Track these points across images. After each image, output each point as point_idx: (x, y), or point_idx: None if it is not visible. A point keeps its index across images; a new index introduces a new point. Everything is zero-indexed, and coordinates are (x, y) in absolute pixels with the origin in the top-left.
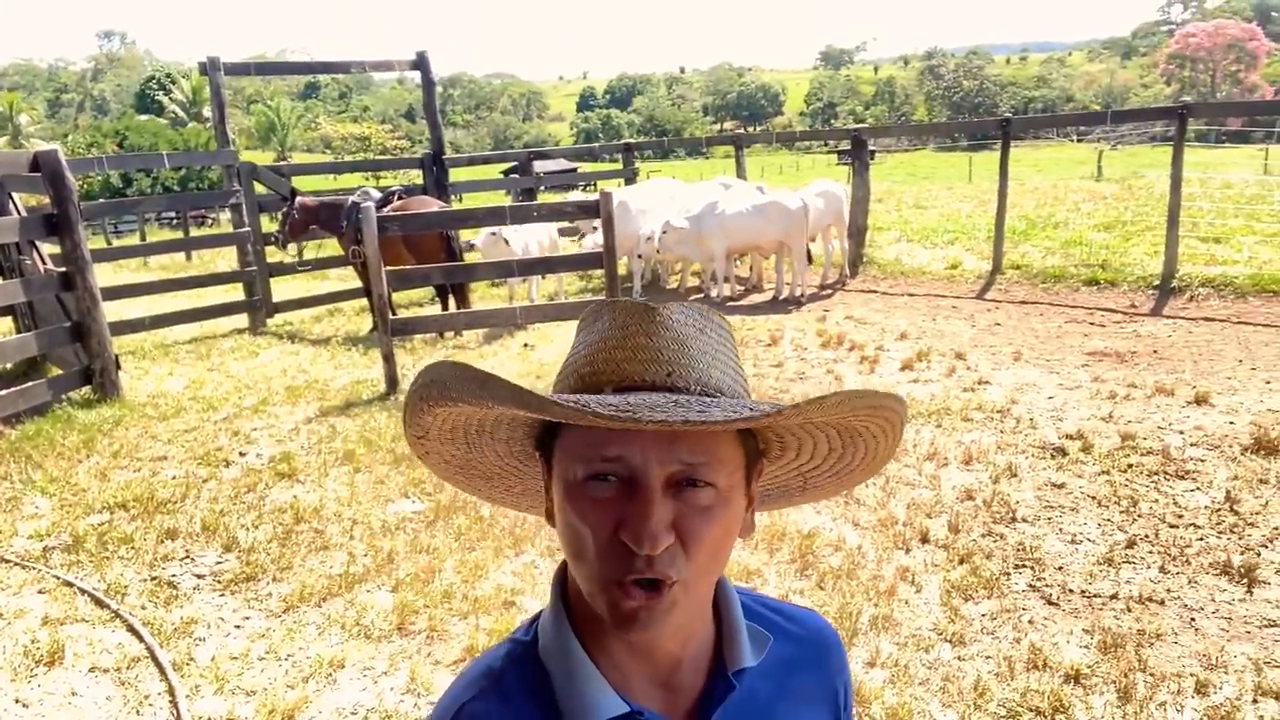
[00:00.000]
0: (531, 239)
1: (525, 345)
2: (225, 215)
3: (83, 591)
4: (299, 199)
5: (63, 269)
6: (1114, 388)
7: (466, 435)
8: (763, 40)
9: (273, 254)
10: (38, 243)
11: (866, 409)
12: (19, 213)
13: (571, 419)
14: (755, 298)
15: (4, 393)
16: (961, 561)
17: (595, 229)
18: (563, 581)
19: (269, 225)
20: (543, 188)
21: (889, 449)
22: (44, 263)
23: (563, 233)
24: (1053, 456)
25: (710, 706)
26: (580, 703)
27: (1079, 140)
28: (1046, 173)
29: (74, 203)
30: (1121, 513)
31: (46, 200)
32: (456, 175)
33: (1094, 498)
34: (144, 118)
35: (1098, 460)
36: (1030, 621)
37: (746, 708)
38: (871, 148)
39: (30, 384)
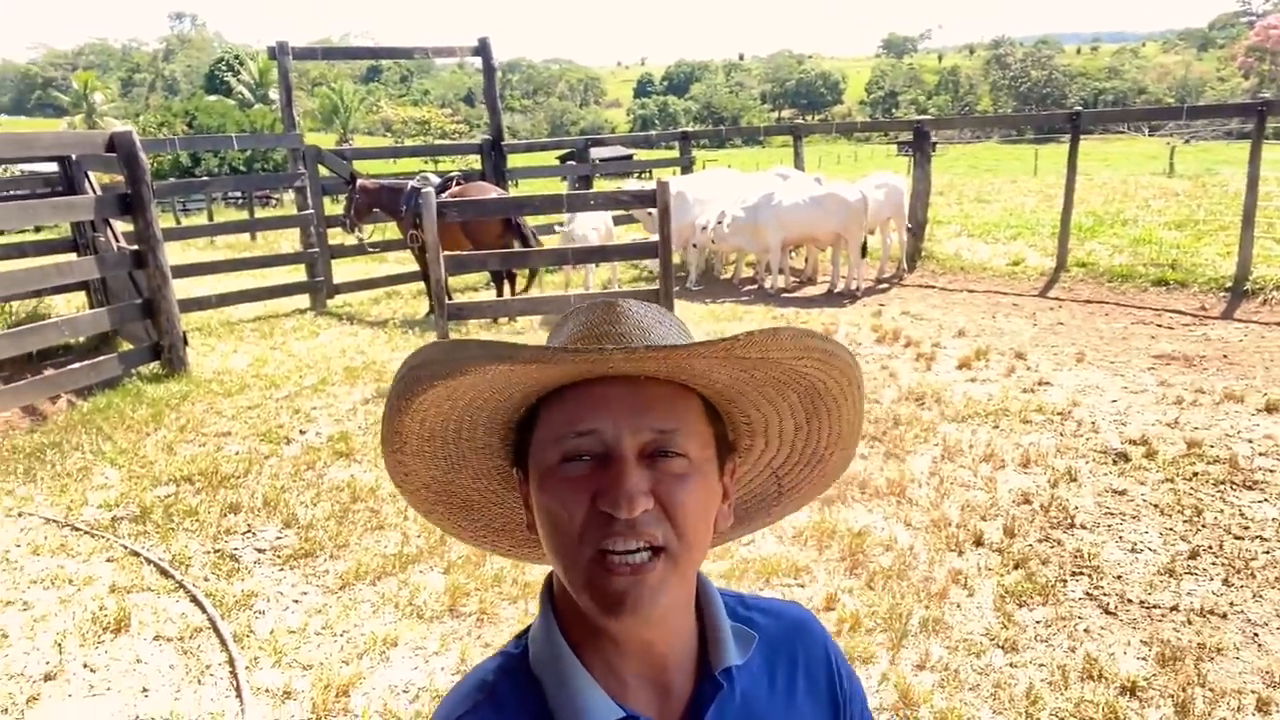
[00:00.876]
0: (589, 226)
1: None
2: (288, 196)
3: (149, 561)
4: (359, 182)
5: (135, 247)
6: (1181, 393)
7: (444, 444)
8: (824, 27)
9: (334, 236)
10: (111, 221)
11: (820, 351)
12: (95, 191)
13: (539, 359)
14: (809, 290)
15: (77, 366)
16: (1016, 566)
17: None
18: (551, 591)
19: (332, 207)
20: (598, 175)
21: (853, 420)
22: (117, 240)
23: (617, 221)
24: (1115, 462)
25: (701, 708)
26: (574, 710)
27: (1151, 134)
28: (1116, 167)
29: (147, 183)
30: (1185, 522)
31: (120, 178)
32: (514, 161)
33: (1156, 506)
34: (212, 98)
35: (1161, 467)
36: (1086, 630)
37: (737, 706)
38: (933, 139)
39: (102, 358)
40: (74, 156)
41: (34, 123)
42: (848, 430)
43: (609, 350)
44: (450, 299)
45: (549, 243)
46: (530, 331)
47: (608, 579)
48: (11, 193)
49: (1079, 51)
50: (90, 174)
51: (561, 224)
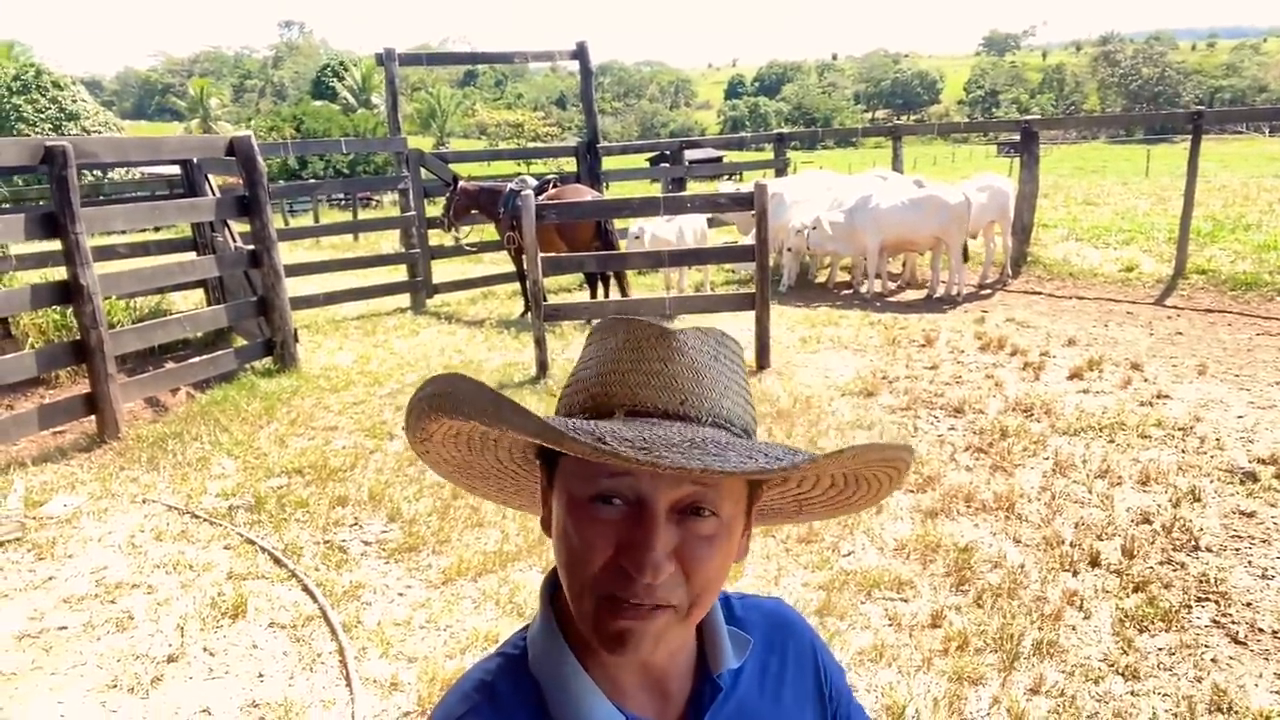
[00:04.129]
0: (685, 229)
1: None
2: (388, 198)
3: (263, 550)
4: (460, 183)
5: (251, 247)
6: None
7: (470, 443)
8: (922, 24)
9: (434, 237)
10: (229, 221)
11: (880, 461)
12: (214, 193)
13: (589, 455)
14: (909, 295)
15: (195, 360)
16: (1136, 589)
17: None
18: (552, 592)
19: (431, 209)
20: (690, 177)
21: (890, 490)
22: (234, 240)
23: (711, 224)
24: (1242, 482)
25: (700, 710)
26: (574, 713)
27: (1272, 135)
28: (1234, 169)
29: (264, 186)
30: None
31: (234, 181)
32: (607, 164)
33: None
34: (319, 103)
35: None
36: (1214, 660)
37: (734, 708)
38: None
39: (219, 353)
40: (196, 160)
41: (154, 127)
42: (884, 493)
43: (664, 466)
44: (546, 300)
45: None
46: None
47: (612, 620)
48: (137, 194)
49: (1194, 48)
50: (209, 176)
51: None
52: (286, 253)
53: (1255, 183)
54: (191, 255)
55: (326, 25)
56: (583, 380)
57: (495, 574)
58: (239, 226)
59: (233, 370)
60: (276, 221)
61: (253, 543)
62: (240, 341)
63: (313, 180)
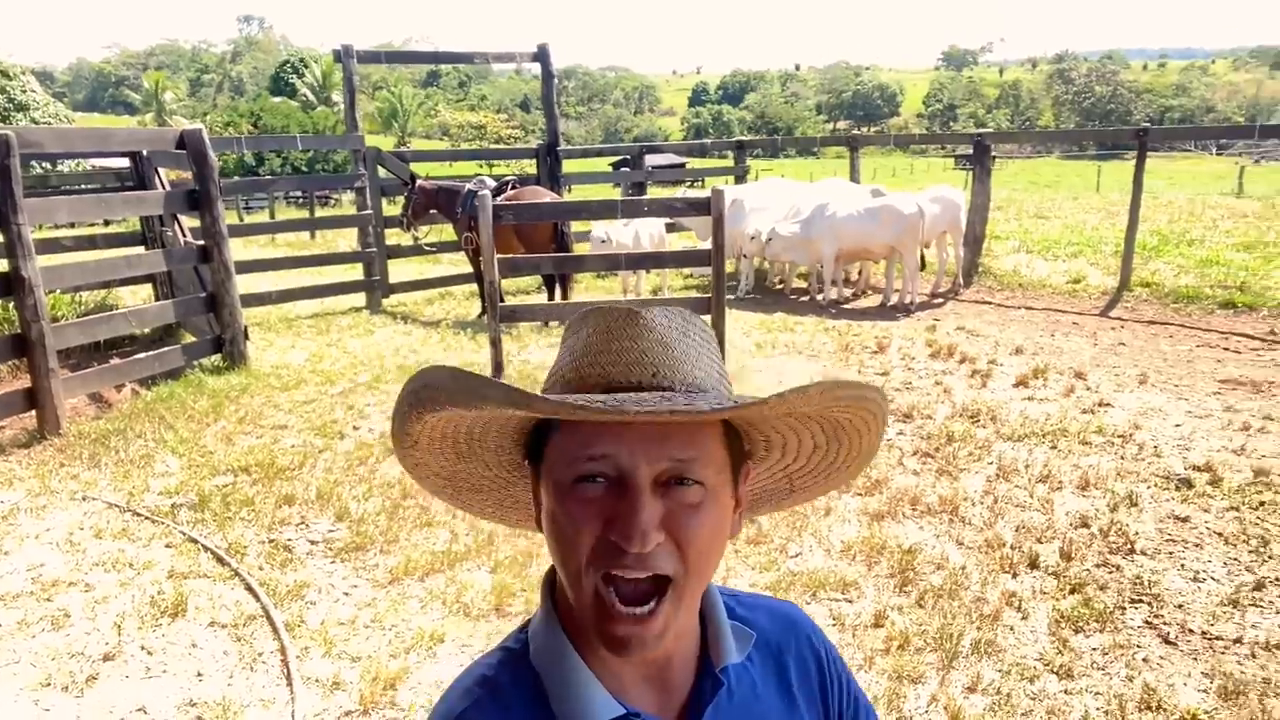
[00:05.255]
0: (643, 233)
1: None
2: (347, 196)
3: (206, 549)
4: (418, 183)
5: (201, 242)
6: (1248, 419)
7: (455, 445)
8: (883, 38)
9: (391, 236)
10: (179, 216)
11: (850, 399)
12: (164, 187)
13: (559, 414)
14: (862, 302)
15: (142, 356)
16: (1073, 591)
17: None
18: (552, 586)
19: (389, 208)
20: (651, 182)
21: (872, 444)
22: (184, 235)
23: (670, 228)
24: (1178, 488)
25: (701, 705)
26: (576, 707)
27: (1219, 153)
28: (1182, 186)
29: (215, 180)
30: (1250, 552)
31: (187, 175)
32: (569, 167)
33: (1221, 534)
34: (277, 99)
35: (1227, 495)
36: (1145, 660)
37: (736, 704)
38: (993, 153)
39: (166, 349)
40: (145, 152)
41: (106, 119)
42: (868, 450)
43: (632, 411)
44: (503, 301)
45: (581, 249)
46: None
47: (612, 625)
48: (84, 186)
49: (1145, 67)
50: (160, 170)
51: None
52: (240, 249)
53: (1200, 200)
54: (140, 250)
55: (287, 21)
56: (559, 369)
57: (443, 574)
58: (190, 221)
59: (180, 367)
60: (230, 218)
61: (195, 541)
62: (189, 338)
63: (267, 177)
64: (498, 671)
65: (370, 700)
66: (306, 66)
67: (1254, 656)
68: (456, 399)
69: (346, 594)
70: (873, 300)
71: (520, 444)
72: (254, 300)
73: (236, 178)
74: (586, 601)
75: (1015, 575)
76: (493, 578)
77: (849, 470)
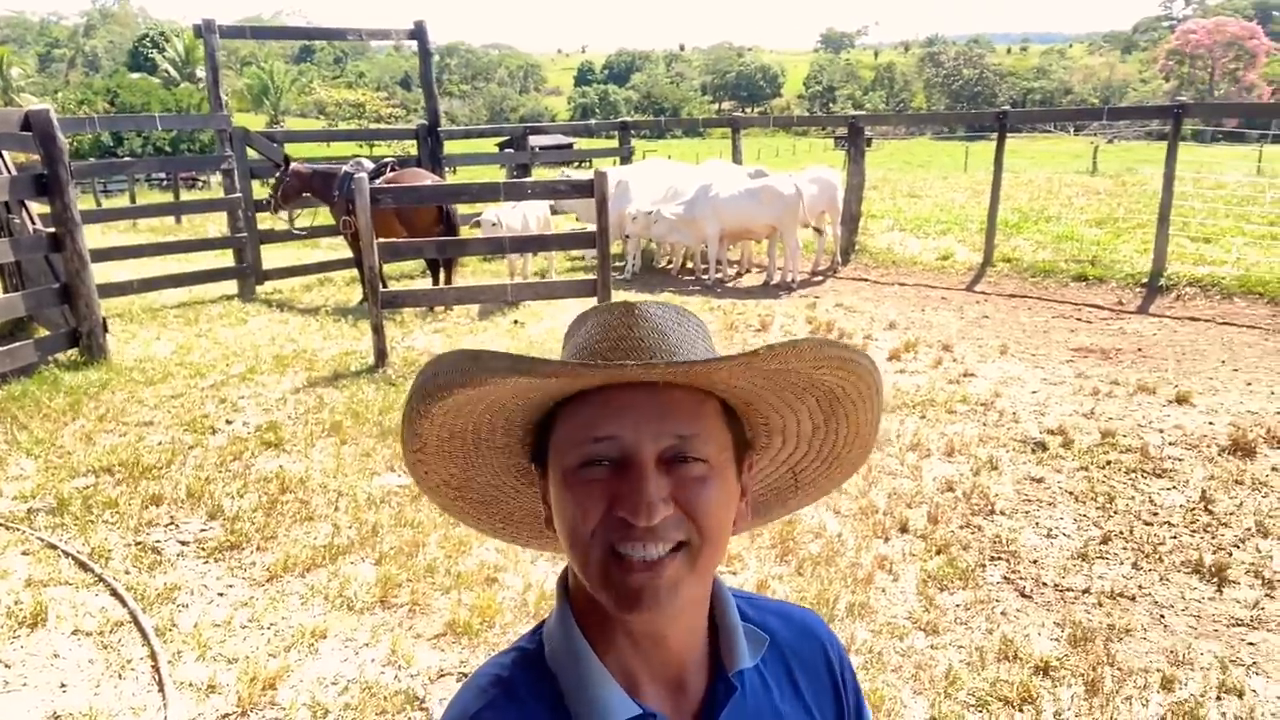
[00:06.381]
0: (529, 215)
1: (515, 322)
2: (215, 179)
3: (66, 554)
4: (292, 165)
5: (52, 230)
6: (1097, 384)
7: (464, 446)
8: (764, 20)
9: (263, 220)
10: (27, 202)
11: (838, 361)
12: (8, 171)
13: (560, 375)
14: (746, 281)
15: None
16: (939, 552)
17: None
18: (567, 587)
19: (260, 191)
20: (537, 163)
21: (870, 422)
22: (33, 223)
23: (554, 210)
24: (1033, 451)
25: (715, 708)
26: (592, 707)
27: (1076, 133)
28: (1042, 165)
29: (65, 164)
30: (1098, 509)
31: (36, 158)
32: (452, 147)
33: (1072, 493)
34: (136, 76)
35: (1077, 456)
36: (1003, 613)
37: (749, 708)
38: (868, 134)
39: (17, 344)
40: None
41: None
42: (865, 430)
43: (629, 366)
44: (385, 286)
45: (468, 232)
46: (467, 320)
47: (625, 576)
48: None
49: (1009, 51)
50: (4, 154)
51: (476, 219)
52: (99, 236)
53: (1058, 178)
54: None
55: None
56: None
57: (325, 568)
58: (39, 208)
59: (33, 363)
60: (87, 202)
61: (54, 547)
62: (42, 332)
63: (127, 159)
64: (512, 671)
65: (249, 701)
66: (168, 41)
67: (1100, 605)
68: (460, 378)
69: (221, 594)
70: (756, 279)
71: (526, 444)
72: (114, 290)
73: (92, 160)
74: (596, 570)
75: (887, 540)
76: (377, 569)
77: (851, 457)
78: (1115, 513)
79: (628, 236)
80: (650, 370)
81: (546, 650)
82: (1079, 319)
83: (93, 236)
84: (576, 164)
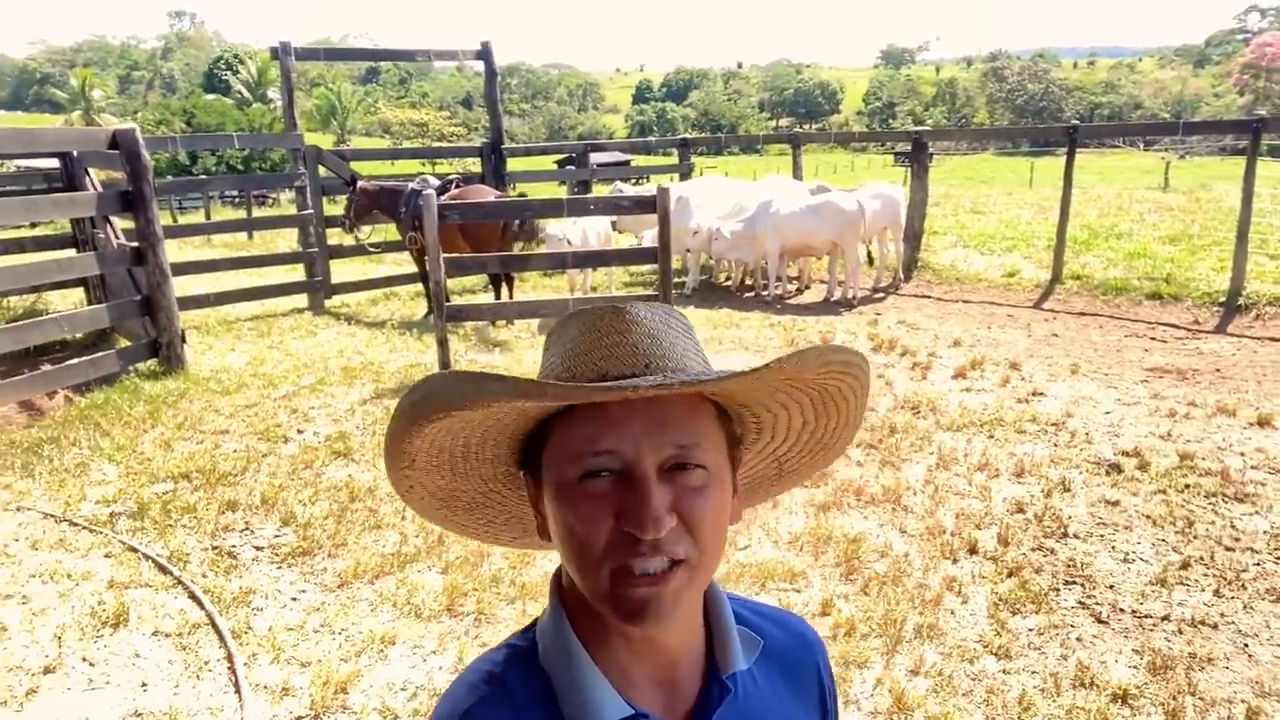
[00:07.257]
0: (590, 231)
1: None
2: (285, 196)
3: (147, 557)
4: (360, 183)
5: (135, 244)
6: (1174, 405)
7: (452, 459)
8: (823, 37)
9: (333, 235)
10: (111, 217)
11: (841, 365)
12: (95, 188)
13: (573, 399)
14: (806, 298)
15: (75, 361)
16: (1010, 575)
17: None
18: (560, 586)
19: (330, 208)
20: (595, 180)
21: (857, 414)
22: (117, 237)
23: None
24: (1108, 473)
25: (708, 710)
26: (584, 707)
27: (1146, 149)
28: (1111, 181)
29: (149, 181)
30: (1177, 533)
31: (119, 175)
32: (513, 165)
33: (1149, 517)
34: (211, 97)
35: (1154, 479)
36: (1079, 639)
37: (742, 710)
38: (930, 150)
39: (100, 354)
40: (75, 153)
41: (31, 118)
42: (852, 421)
43: (644, 386)
44: (449, 301)
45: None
46: (527, 334)
47: (629, 590)
48: (10, 188)
49: (1075, 66)
50: (91, 171)
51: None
52: (175, 251)
53: (1128, 194)
54: (71, 252)
55: (219, 17)
56: (551, 369)
57: (393, 576)
58: (123, 223)
59: (115, 372)
60: (164, 218)
61: (135, 550)
62: (124, 342)
63: (203, 176)
64: (504, 668)
65: (322, 704)
66: (241, 63)
67: (1180, 633)
68: (457, 400)
69: (294, 599)
70: (816, 295)
71: (515, 453)
72: (191, 303)
73: (170, 177)
74: (603, 586)
75: (955, 561)
76: (444, 578)
77: (835, 445)
78: (1195, 538)
79: (688, 251)
80: (666, 388)
81: (539, 649)
82: (1153, 338)
83: (170, 251)
84: (634, 180)
